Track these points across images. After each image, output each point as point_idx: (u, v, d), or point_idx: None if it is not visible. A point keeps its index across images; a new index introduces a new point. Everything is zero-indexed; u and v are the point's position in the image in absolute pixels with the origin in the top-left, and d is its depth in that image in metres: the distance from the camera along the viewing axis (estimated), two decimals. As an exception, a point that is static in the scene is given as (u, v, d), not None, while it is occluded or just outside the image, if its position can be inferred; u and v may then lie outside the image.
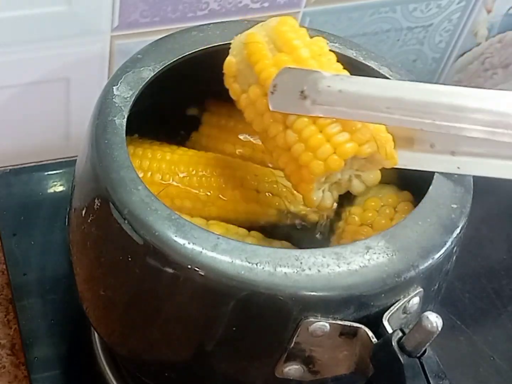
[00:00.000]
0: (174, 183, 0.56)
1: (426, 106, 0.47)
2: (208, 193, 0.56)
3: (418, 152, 0.51)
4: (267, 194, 0.56)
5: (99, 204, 0.48)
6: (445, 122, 0.47)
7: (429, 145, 0.51)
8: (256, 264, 0.44)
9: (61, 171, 0.72)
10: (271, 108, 0.50)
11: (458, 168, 0.50)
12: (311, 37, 0.53)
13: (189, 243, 0.45)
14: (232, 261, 0.44)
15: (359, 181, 0.51)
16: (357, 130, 0.49)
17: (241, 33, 0.53)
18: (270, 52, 0.52)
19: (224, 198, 0.56)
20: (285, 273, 0.44)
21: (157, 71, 0.53)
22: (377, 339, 0.45)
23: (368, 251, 0.46)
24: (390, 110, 0.47)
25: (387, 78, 0.55)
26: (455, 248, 0.48)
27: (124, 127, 0.50)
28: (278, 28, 0.52)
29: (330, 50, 0.54)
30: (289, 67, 0.50)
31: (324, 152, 0.49)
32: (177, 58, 0.54)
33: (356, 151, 0.49)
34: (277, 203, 0.56)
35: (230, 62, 0.53)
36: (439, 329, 0.42)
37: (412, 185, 0.53)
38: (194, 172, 0.56)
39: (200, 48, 0.55)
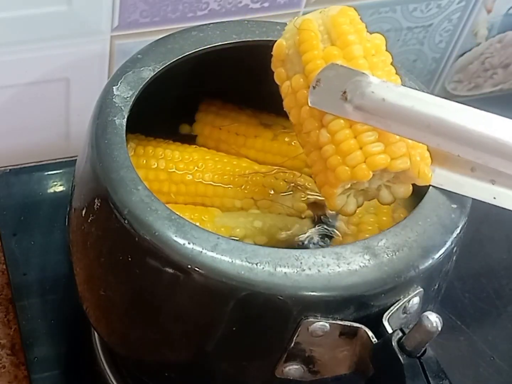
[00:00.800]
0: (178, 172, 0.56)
1: (468, 133, 0.45)
2: (211, 183, 0.56)
3: (457, 174, 0.49)
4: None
5: (99, 204, 0.48)
6: (485, 154, 0.45)
7: (470, 169, 0.49)
8: (256, 264, 0.44)
9: (61, 171, 0.72)
10: (309, 104, 0.48)
11: (494, 198, 0.48)
12: (371, 33, 0.51)
13: (189, 243, 0.45)
14: (232, 261, 0.44)
15: (388, 192, 0.50)
16: (393, 143, 0.47)
17: (294, 19, 0.51)
18: (322, 43, 0.50)
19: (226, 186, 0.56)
20: (285, 273, 0.44)
21: (157, 71, 0.53)
22: (377, 339, 0.45)
23: (368, 251, 0.46)
24: (430, 129, 0.45)
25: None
26: (455, 248, 0.48)
27: (124, 127, 0.50)
28: (335, 19, 0.50)
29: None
30: (336, 64, 0.48)
31: (353, 159, 0.47)
32: (177, 58, 0.54)
33: (387, 165, 0.47)
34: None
35: (280, 45, 0.51)
36: (439, 329, 0.42)
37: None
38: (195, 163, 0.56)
39: (200, 48, 0.55)
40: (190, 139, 0.60)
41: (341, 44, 0.49)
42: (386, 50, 0.51)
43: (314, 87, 0.48)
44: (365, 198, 0.50)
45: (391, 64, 0.51)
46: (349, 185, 0.49)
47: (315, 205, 0.56)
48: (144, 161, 0.56)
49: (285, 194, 0.56)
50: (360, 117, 0.47)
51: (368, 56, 0.49)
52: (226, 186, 0.56)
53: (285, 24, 0.52)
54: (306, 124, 0.50)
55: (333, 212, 0.55)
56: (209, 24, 0.56)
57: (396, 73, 0.51)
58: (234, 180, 0.56)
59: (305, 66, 0.50)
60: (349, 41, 0.49)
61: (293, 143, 0.58)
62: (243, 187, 0.56)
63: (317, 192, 0.56)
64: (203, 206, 0.56)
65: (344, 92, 0.46)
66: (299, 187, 0.57)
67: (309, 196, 0.56)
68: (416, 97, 0.46)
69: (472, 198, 0.49)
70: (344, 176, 0.48)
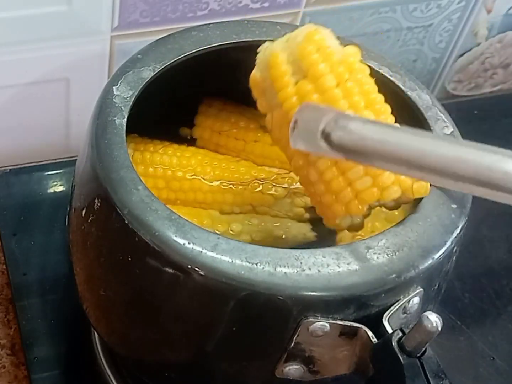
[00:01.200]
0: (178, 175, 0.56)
1: (450, 166, 0.42)
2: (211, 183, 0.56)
3: None
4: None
5: (99, 204, 0.48)
6: (468, 184, 0.43)
7: None
8: (256, 264, 0.44)
9: (61, 171, 0.72)
10: (292, 146, 0.47)
11: None
12: (345, 45, 0.50)
13: (189, 243, 0.45)
14: (232, 261, 0.44)
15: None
16: (380, 174, 0.47)
17: (264, 46, 0.51)
18: (294, 76, 0.49)
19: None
20: (285, 273, 0.44)
21: (157, 71, 0.53)
22: (377, 339, 0.45)
23: (368, 251, 0.46)
24: (411, 164, 0.43)
25: (388, 78, 0.55)
26: (455, 248, 0.48)
27: (124, 127, 0.50)
28: (302, 49, 0.49)
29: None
30: (310, 104, 0.47)
31: (345, 196, 0.47)
32: (177, 58, 0.54)
33: (379, 197, 0.47)
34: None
35: (255, 78, 0.51)
36: (439, 329, 0.42)
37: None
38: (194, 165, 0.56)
39: (200, 48, 0.55)
40: (190, 139, 0.60)
41: (312, 76, 0.48)
42: (362, 61, 0.50)
43: (293, 128, 0.46)
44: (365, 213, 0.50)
45: (370, 75, 0.50)
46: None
47: (314, 208, 0.56)
48: (142, 169, 0.55)
49: (283, 199, 0.56)
50: (342, 155, 0.45)
51: (342, 82, 0.48)
52: (224, 193, 0.56)
53: (285, 24, 0.52)
54: (294, 161, 0.50)
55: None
56: (209, 24, 0.56)
57: (379, 92, 0.49)
58: (233, 187, 0.56)
59: (282, 104, 0.49)
60: (319, 72, 0.48)
61: None
62: (241, 193, 0.56)
63: None
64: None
65: (323, 132, 0.44)
66: (297, 192, 0.57)
67: (307, 201, 0.56)
68: (395, 133, 0.44)
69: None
70: (340, 213, 0.48)
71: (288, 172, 0.58)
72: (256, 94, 0.52)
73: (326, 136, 0.44)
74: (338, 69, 0.49)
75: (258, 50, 0.51)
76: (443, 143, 0.43)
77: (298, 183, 0.57)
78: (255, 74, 0.51)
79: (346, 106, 0.48)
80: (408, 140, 0.44)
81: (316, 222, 0.56)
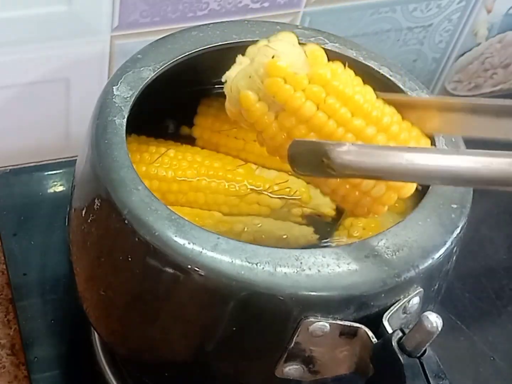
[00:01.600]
0: (178, 178, 0.55)
1: (457, 175, 0.42)
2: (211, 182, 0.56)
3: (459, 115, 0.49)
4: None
5: (99, 204, 0.48)
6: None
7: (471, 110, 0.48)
8: (256, 264, 0.44)
9: (61, 171, 0.72)
10: (297, 173, 0.48)
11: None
12: (303, 44, 0.49)
13: (189, 243, 0.45)
14: (232, 261, 0.44)
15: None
16: None
17: (234, 83, 0.50)
18: (271, 111, 0.48)
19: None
20: (285, 273, 0.44)
21: (157, 71, 0.53)
22: (377, 339, 0.45)
23: (368, 251, 0.46)
24: (413, 177, 0.45)
25: (388, 78, 0.55)
26: (455, 248, 0.48)
27: (124, 127, 0.50)
28: (271, 84, 0.47)
29: (329, 50, 0.54)
30: (298, 141, 0.46)
31: (365, 204, 0.49)
32: (177, 58, 0.54)
33: (397, 197, 0.49)
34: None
35: (231, 112, 0.51)
36: (439, 329, 0.42)
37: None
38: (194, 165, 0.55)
39: (200, 48, 0.55)
40: (190, 138, 0.60)
41: (290, 109, 0.47)
42: (330, 60, 0.48)
43: (292, 161, 0.46)
44: None
45: (346, 66, 0.49)
46: None
47: (311, 217, 0.56)
48: (153, 149, 0.55)
49: (280, 209, 0.56)
50: (347, 176, 0.46)
51: (321, 103, 0.47)
52: (220, 205, 0.55)
53: (285, 24, 0.52)
54: (303, 177, 0.52)
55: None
56: (209, 24, 0.56)
57: (356, 75, 0.49)
58: (229, 199, 0.56)
59: (272, 139, 0.49)
60: (296, 104, 0.47)
61: None
62: (237, 206, 0.55)
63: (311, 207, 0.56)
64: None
65: (322, 161, 0.44)
66: (293, 203, 0.56)
67: (304, 210, 0.56)
68: (389, 153, 0.44)
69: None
70: (364, 215, 0.50)
71: (288, 174, 0.57)
72: (239, 122, 0.52)
73: (326, 164, 0.43)
74: (312, 90, 0.47)
75: (223, 79, 0.50)
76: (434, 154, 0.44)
77: (296, 193, 0.57)
78: (229, 108, 0.51)
79: (335, 125, 0.48)
80: (402, 157, 0.43)
81: (316, 224, 0.56)
